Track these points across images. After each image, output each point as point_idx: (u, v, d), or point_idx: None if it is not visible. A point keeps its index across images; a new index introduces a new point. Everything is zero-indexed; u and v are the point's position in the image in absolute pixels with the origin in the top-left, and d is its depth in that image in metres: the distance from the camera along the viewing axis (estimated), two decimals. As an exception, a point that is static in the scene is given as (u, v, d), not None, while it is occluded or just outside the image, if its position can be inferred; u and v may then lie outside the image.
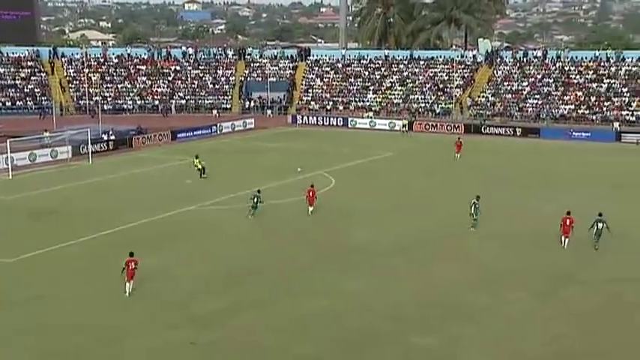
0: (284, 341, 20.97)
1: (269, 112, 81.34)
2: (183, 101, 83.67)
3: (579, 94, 70.39)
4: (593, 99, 69.23)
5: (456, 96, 75.33)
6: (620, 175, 45.51)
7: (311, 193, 35.64)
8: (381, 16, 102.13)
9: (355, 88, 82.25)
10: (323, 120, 75.72)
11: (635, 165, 49.55)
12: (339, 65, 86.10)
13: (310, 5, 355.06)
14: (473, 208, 31.76)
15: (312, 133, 69.89)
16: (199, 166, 44.92)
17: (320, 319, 22.53)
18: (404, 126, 67.69)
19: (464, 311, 22.99)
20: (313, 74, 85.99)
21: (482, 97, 74.72)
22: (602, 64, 72.73)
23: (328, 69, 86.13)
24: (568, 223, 29.21)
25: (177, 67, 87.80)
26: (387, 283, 25.73)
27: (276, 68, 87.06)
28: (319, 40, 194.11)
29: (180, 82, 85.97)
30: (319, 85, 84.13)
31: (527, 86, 73.80)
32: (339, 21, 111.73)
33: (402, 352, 20.22)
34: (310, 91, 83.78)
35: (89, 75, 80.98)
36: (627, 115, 66.15)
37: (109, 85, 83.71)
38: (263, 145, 61.43)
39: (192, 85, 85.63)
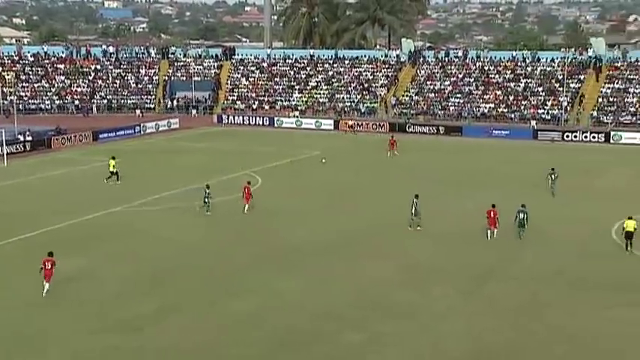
0: (212, 343, 20.82)
1: (194, 111, 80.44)
2: (105, 101, 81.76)
3: (498, 93, 72.70)
4: (511, 98, 71.65)
5: (380, 95, 76.51)
6: (537, 172, 47.23)
7: (246, 190, 35.70)
8: (306, 15, 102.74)
9: (281, 87, 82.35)
10: (249, 119, 75.49)
11: (551, 162, 51.49)
12: (265, 64, 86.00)
13: (235, 4, 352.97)
14: (413, 207, 32.06)
15: (238, 132, 69.56)
16: (114, 170, 43.48)
17: (250, 319, 22.46)
18: (351, 127, 68.01)
19: (391, 308, 23.33)
20: (238, 73, 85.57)
21: (406, 96, 76.17)
22: (519, 64, 75.35)
23: (254, 68, 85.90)
24: (492, 215, 30.40)
25: (98, 67, 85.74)
26: (319, 282, 25.90)
27: (201, 67, 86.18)
28: (244, 40, 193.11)
29: (101, 81, 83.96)
30: (245, 85, 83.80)
31: (449, 85, 75.68)
32: (264, 20, 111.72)
33: (330, 350, 20.40)
34: (236, 90, 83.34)
35: (2, 74, 78.04)
36: (543, 113, 68.76)
37: (24, 84, 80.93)
38: (188, 145, 60.74)
39: (114, 85, 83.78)
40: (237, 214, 35.29)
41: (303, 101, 79.52)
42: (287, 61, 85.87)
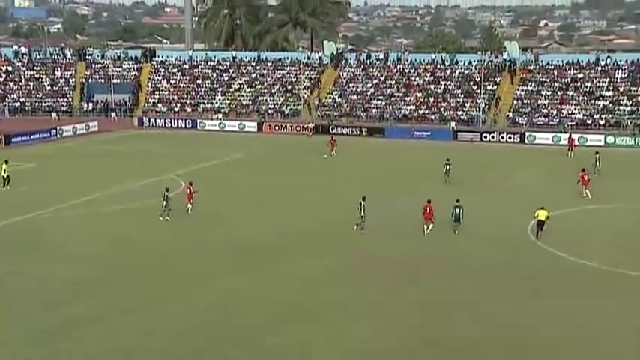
0: (132, 353, 20.55)
1: (113, 114, 78.67)
2: (18, 103, 78.92)
3: (419, 95, 74.38)
4: (431, 100, 73.42)
5: (303, 97, 76.96)
6: (458, 172, 48.62)
7: (189, 191, 35.57)
8: (227, 17, 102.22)
9: (203, 89, 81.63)
10: (171, 122, 74.52)
11: (471, 162, 53.13)
12: (186, 67, 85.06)
13: (154, 5, 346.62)
14: (360, 208, 32.32)
15: (160, 135, 68.56)
16: (4, 175, 41.84)
17: (172, 325, 22.24)
18: (309, 129, 67.78)
19: (319, 308, 23.58)
20: (159, 76, 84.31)
21: (329, 98, 76.91)
22: (438, 66, 77.28)
23: (175, 70, 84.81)
24: (428, 210, 31.74)
25: (10, 68, 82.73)
26: (250, 283, 25.92)
27: (120, 69, 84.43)
28: (165, 41, 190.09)
29: (13, 83, 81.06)
30: (166, 87, 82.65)
31: (371, 87, 76.87)
32: (185, 22, 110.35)
33: (255, 352, 20.45)
34: (157, 93, 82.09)
35: None
36: (462, 115, 70.80)
37: None
38: (108, 148, 59.45)
39: (27, 87, 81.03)
40: (151, 218, 34.81)
41: (226, 103, 79.07)
42: (209, 63, 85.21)
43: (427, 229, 31.85)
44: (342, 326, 22.08)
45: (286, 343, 20.94)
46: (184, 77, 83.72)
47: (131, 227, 33.59)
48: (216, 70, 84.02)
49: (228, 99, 79.62)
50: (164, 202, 34.27)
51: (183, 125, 73.98)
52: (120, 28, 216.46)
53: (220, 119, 74.39)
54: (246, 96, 79.63)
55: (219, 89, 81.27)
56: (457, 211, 31.83)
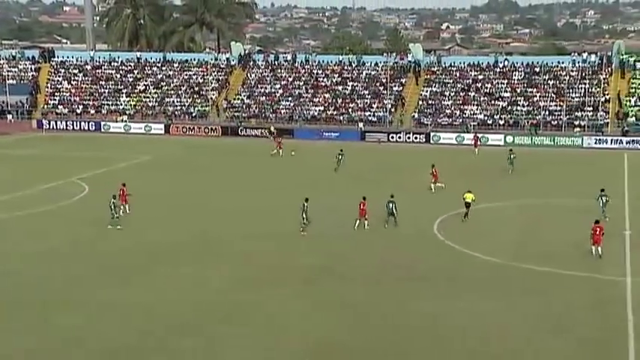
0: None
1: (10, 117, 75.25)
2: None
3: (327, 96, 75.06)
4: (339, 101, 74.27)
5: (211, 99, 76.16)
6: (366, 170, 49.46)
7: (122, 192, 34.89)
8: (131, 17, 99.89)
9: (107, 91, 79.34)
10: (73, 124, 72.17)
11: (378, 162, 54.15)
12: (88, 67, 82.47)
13: (52, 3, 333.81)
14: (303, 211, 32.29)
15: (61, 138, 66.21)
16: None
17: (77, 333, 21.54)
18: (271, 132, 66.48)
19: (227, 311, 23.32)
20: (59, 76, 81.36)
21: (238, 99, 76.44)
22: (345, 67, 78.24)
23: (76, 71, 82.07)
24: (362, 207, 32.65)
25: None
26: (152, 290, 25.36)
27: (16, 70, 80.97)
28: (64, 41, 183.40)
29: None
30: (67, 88, 79.85)
31: (279, 89, 76.93)
32: (86, 21, 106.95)
33: (166, 357, 20.12)
34: (57, 94, 79.17)
35: None
36: (369, 115, 71.98)
37: None
38: (6, 152, 56.79)
39: None
40: (68, 223, 33.58)
41: (131, 105, 77.16)
42: (112, 63, 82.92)
43: (359, 224, 32.64)
44: (252, 328, 21.99)
45: (196, 346, 20.62)
46: (86, 78, 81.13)
47: (24, 235, 32.21)
48: (120, 71, 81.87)
49: (133, 100, 77.72)
50: (112, 210, 33.06)
51: (86, 127, 71.77)
52: (14, 27, 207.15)
53: (125, 121, 72.61)
54: (152, 97, 77.99)
55: (124, 90, 79.23)
56: (390, 205, 32.99)
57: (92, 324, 22.21)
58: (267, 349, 20.64)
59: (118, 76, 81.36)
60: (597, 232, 28.78)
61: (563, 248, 30.22)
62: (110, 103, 77.55)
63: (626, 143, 60.83)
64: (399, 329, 21.98)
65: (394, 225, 33.08)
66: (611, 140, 61.74)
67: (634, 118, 64.96)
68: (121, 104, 77.30)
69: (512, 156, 48.67)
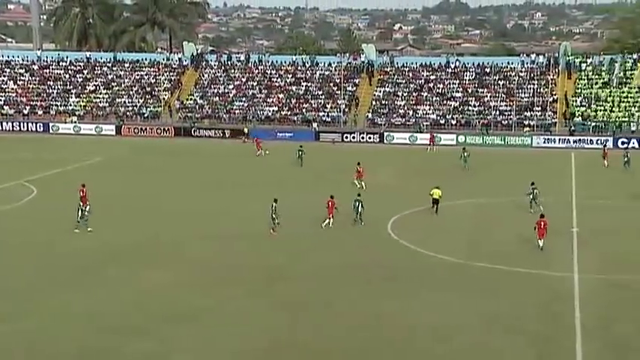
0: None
1: (-47, 118, 73.18)
2: None
3: (281, 96, 74.97)
4: (293, 101, 74.27)
5: (164, 99, 75.31)
6: (323, 170, 49.60)
7: (82, 193, 34.50)
8: (79, 16, 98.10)
9: (55, 91, 77.73)
10: (20, 125, 70.66)
11: (332, 162, 54.32)
12: (35, 67, 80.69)
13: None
14: (272, 211, 32.13)
15: (7, 139, 64.64)
16: None
17: (15, 342, 21.04)
18: (245, 134, 65.31)
19: (181, 313, 23.12)
20: (5, 76, 79.45)
21: (191, 99, 75.76)
22: (299, 68, 78.26)
23: (22, 71, 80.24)
24: (330, 205, 33.24)
25: None
26: (103, 294, 24.98)
27: (-40, 70, 78.66)
28: (9, 40, 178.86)
29: None
30: (13, 89, 77.99)
31: (233, 89, 76.52)
32: (32, 20, 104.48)
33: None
34: (2, 95, 77.21)
35: None
36: (323, 116, 72.15)
37: None
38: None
39: None
40: (15, 226, 32.81)
41: (81, 106, 75.76)
42: (61, 63, 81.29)
43: (326, 222, 33.18)
44: (207, 329, 21.84)
45: (150, 349, 20.42)
46: (33, 78, 79.39)
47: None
48: (69, 71, 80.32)
49: (83, 101, 76.32)
50: (79, 213, 32.47)
51: (34, 129, 70.34)
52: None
53: (75, 122, 71.33)
54: (103, 98, 76.71)
55: (73, 91, 77.74)
56: (357, 204, 33.53)
57: (43, 328, 21.77)
58: (221, 351, 20.53)
59: (67, 76, 79.80)
60: (542, 226, 29.90)
61: (514, 246, 30.84)
62: (59, 103, 76.00)
63: (573, 142, 62.37)
64: (353, 329, 22.09)
65: (360, 223, 33.49)
66: (559, 140, 63.22)
67: (580, 118, 66.63)
68: (71, 105, 75.82)
69: (465, 154, 49.78)
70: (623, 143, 60.78)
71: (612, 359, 20.21)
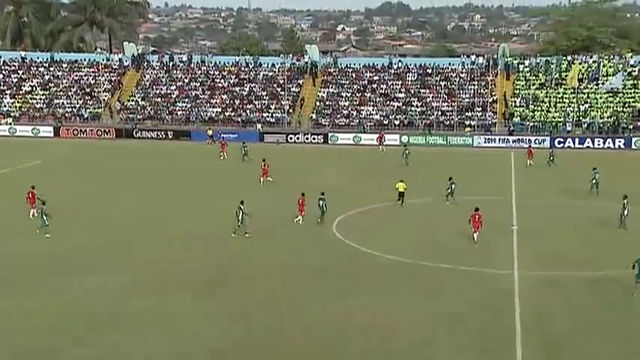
0: None
1: None
2: None
3: (224, 97, 74.51)
4: (237, 102, 73.90)
5: (104, 100, 73.92)
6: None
7: (31, 195, 34.46)
8: (12, 14, 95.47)
9: (-10, 92, 75.47)
10: (-47, 128, 68.10)
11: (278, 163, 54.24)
12: (-32, 67, 78.16)
13: None
14: (239, 213, 31.80)
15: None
16: None
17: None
18: (210, 136, 64.09)
19: (126, 317, 22.86)
20: (-64, 77, 76.61)
21: (132, 100, 74.58)
22: (242, 68, 77.88)
23: (-45, 71, 77.60)
24: (301, 202, 34.16)
25: None
26: (43, 299, 24.40)
27: None
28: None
29: None
30: (-55, 90, 75.29)
31: (175, 90, 75.66)
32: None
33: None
34: None
35: None
36: (268, 117, 72.04)
37: None
38: None
39: None
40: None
41: (16, 107, 73.74)
42: (-5, 63, 79.02)
43: (300, 220, 34.25)
44: (151, 334, 21.58)
45: (90, 355, 20.10)
46: (-33, 79, 76.89)
47: None
48: (3, 71, 78.14)
49: (18, 102, 74.31)
50: (43, 217, 31.79)
51: (-33, 131, 68.00)
52: None
53: (10, 124, 69.42)
54: (40, 99, 74.83)
55: (8, 92, 75.66)
56: (321, 203, 33.97)
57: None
58: (171, 353, 20.33)
59: (1, 76, 77.62)
60: (476, 219, 31.14)
61: (457, 244, 31.42)
62: (-6, 105, 73.83)
63: (512, 142, 63.86)
64: (299, 329, 22.17)
65: (321, 222, 33.96)
66: (499, 139, 64.66)
67: (518, 118, 68.32)
68: (5, 106, 73.72)
69: (406, 152, 51.00)
70: (559, 143, 62.62)
71: (548, 354, 20.80)
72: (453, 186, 38.78)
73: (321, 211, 34.14)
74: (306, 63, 77.13)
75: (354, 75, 75.89)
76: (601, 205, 38.09)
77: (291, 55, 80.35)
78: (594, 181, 40.93)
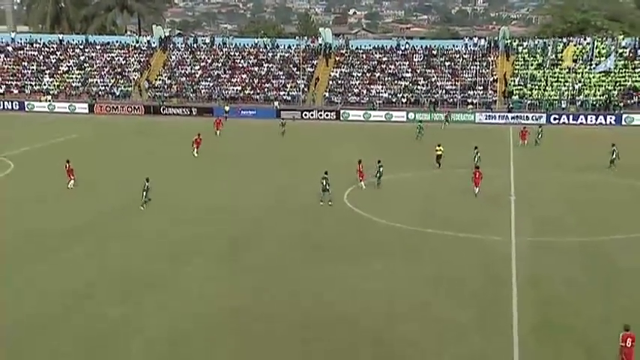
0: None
1: None
2: None
3: (244, 76, 74.16)
4: (256, 81, 73.57)
5: (134, 79, 73.84)
6: (285, 149, 49.42)
7: (67, 168, 34.66)
8: (51, 1, 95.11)
9: (30, 71, 75.53)
10: (-4, 105, 68.45)
11: (295, 141, 54.18)
12: (10, 49, 78.21)
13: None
14: (324, 183, 31.77)
15: (-15, 118, 62.70)
16: None
17: None
18: (226, 112, 63.68)
19: (149, 280, 22.93)
20: (-19, 58, 76.75)
21: (159, 80, 74.44)
22: (261, 50, 77.37)
23: (-2, 52, 77.65)
24: (359, 168, 34.93)
25: None
26: (71, 264, 24.64)
27: (-64, 51, 75.61)
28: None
29: None
30: (-11, 69, 75.47)
31: (199, 70, 75.38)
32: (5, 4, 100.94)
33: (91, 324, 19.67)
34: (-21, 75, 74.71)
35: None
36: (284, 95, 71.73)
37: None
38: None
39: None
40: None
41: (54, 85, 73.84)
42: (34, 45, 78.95)
43: (362, 185, 34.87)
44: (174, 294, 21.77)
45: (121, 313, 20.26)
46: (8, 59, 77.00)
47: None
48: (43, 53, 78.07)
49: (57, 81, 74.39)
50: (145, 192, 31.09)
51: (9, 107, 68.33)
52: None
53: (50, 101, 69.54)
54: (76, 78, 74.87)
55: (47, 71, 75.67)
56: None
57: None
58: (190, 313, 20.52)
59: (41, 57, 77.58)
60: (477, 176, 33.45)
61: (459, 214, 31.28)
62: (34, 83, 73.97)
63: (511, 119, 63.27)
64: (295, 293, 22.07)
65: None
66: (499, 116, 64.06)
67: (517, 97, 67.57)
68: (45, 85, 73.85)
69: (420, 128, 52.02)
70: (555, 119, 62.02)
71: (543, 311, 20.80)
72: (479, 154, 38.39)
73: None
74: (320, 45, 76.47)
75: (364, 56, 75.18)
76: (596, 178, 37.79)
77: (306, 38, 79.63)
78: (614, 155, 39.67)
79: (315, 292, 22.20)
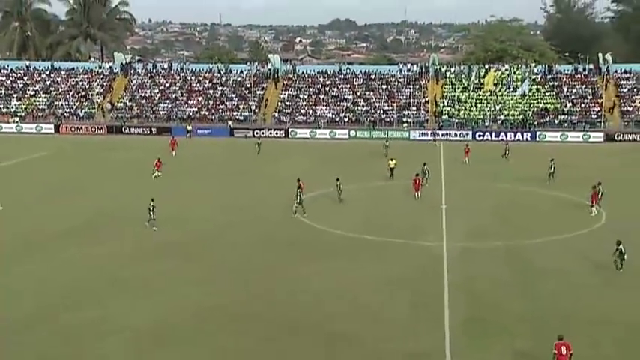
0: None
1: None
2: None
3: (200, 98, 73.37)
4: (211, 103, 72.84)
5: (97, 102, 72.06)
6: (240, 164, 48.98)
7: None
8: (18, 29, 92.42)
9: (-3, 95, 72.83)
10: (-35, 126, 65.56)
11: (248, 155, 53.74)
12: (-22, 74, 75.23)
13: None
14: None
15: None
16: None
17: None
18: (188, 131, 61.73)
19: (121, 283, 22.45)
20: (-51, 82, 73.48)
21: (121, 102, 72.87)
22: (215, 74, 76.72)
23: (-34, 77, 74.53)
24: (417, 182, 35.81)
25: None
26: (57, 266, 23.75)
27: None
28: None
29: None
30: (-43, 93, 72.32)
31: (158, 93, 74.16)
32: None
33: (70, 326, 18.99)
34: (-53, 98, 71.49)
35: None
36: (237, 115, 71.21)
37: None
38: None
39: None
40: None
41: (22, 108, 71.37)
42: (2, 71, 76.37)
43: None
44: (135, 301, 21.21)
45: (96, 315, 19.65)
46: (-23, 84, 74.01)
47: None
48: (11, 78, 75.48)
49: (24, 104, 71.91)
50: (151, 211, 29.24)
51: (-22, 129, 65.59)
52: None
53: (17, 122, 67.23)
54: (42, 101, 72.55)
55: (15, 95, 73.12)
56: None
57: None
58: (165, 313, 19.99)
59: (9, 82, 74.98)
60: (416, 182, 35.57)
61: (397, 222, 31.56)
62: (2, 106, 71.31)
63: (442, 135, 64.49)
64: (268, 292, 22.04)
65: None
66: (430, 133, 65.15)
67: (446, 116, 68.97)
68: (13, 107, 71.29)
69: (387, 144, 52.47)
70: (479, 136, 63.63)
71: (472, 307, 21.13)
72: (427, 170, 39.04)
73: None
74: (269, 70, 76.37)
75: (309, 80, 75.45)
76: (522, 190, 38.66)
77: (256, 63, 79.44)
78: (551, 169, 39.11)
79: (267, 289, 22.06)
